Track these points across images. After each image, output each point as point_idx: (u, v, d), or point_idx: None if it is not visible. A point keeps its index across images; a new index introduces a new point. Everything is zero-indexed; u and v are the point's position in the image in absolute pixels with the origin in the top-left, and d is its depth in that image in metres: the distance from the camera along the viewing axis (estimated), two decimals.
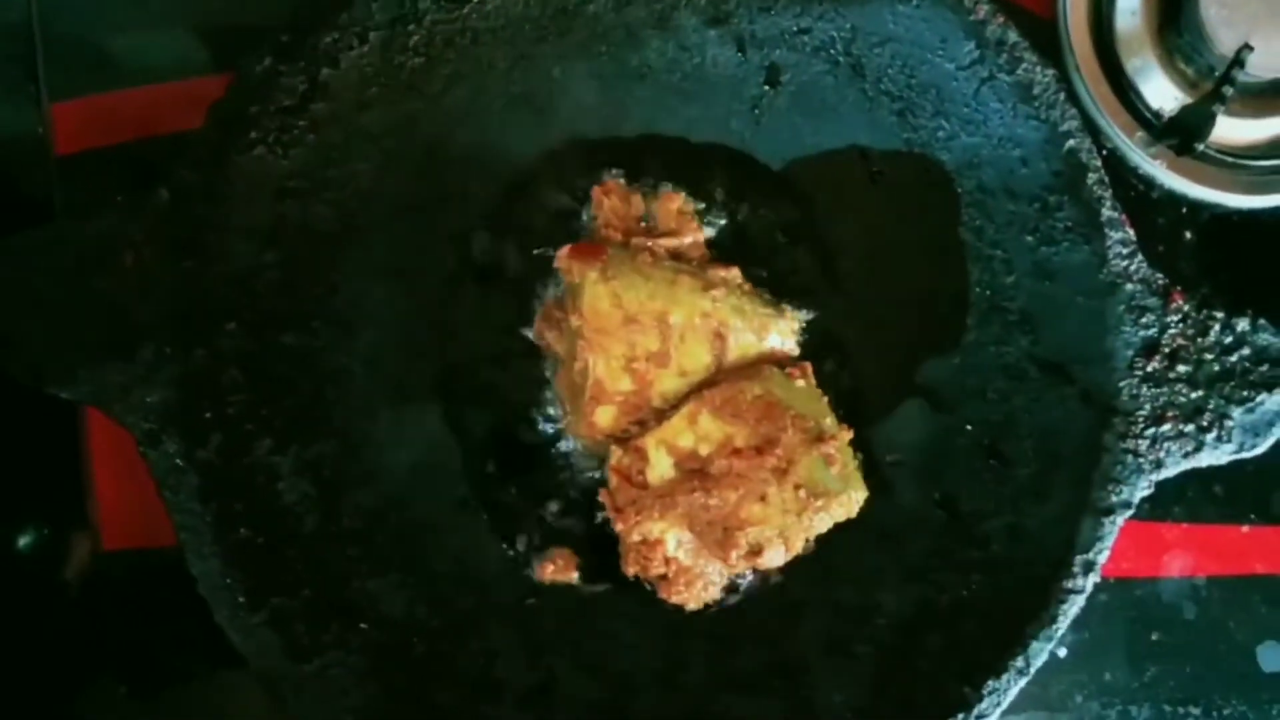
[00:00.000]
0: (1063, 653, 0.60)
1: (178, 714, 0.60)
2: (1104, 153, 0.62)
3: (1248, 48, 0.58)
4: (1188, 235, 0.62)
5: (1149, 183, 0.62)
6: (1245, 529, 0.62)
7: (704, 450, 0.52)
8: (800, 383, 0.54)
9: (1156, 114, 0.62)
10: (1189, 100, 0.61)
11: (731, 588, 0.54)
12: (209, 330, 0.51)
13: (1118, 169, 0.62)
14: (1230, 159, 0.62)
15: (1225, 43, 0.59)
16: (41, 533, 0.60)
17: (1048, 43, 0.62)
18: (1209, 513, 0.62)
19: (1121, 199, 0.60)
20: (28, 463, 0.59)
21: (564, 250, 0.53)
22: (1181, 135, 0.60)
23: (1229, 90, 0.58)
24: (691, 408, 0.52)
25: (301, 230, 0.53)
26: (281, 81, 0.51)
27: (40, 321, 0.50)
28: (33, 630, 0.60)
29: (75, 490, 0.59)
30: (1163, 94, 0.62)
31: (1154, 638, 0.61)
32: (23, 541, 0.60)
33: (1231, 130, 0.62)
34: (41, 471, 0.60)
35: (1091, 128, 0.61)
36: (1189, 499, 0.61)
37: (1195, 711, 0.61)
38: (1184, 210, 0.62)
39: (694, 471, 0.51)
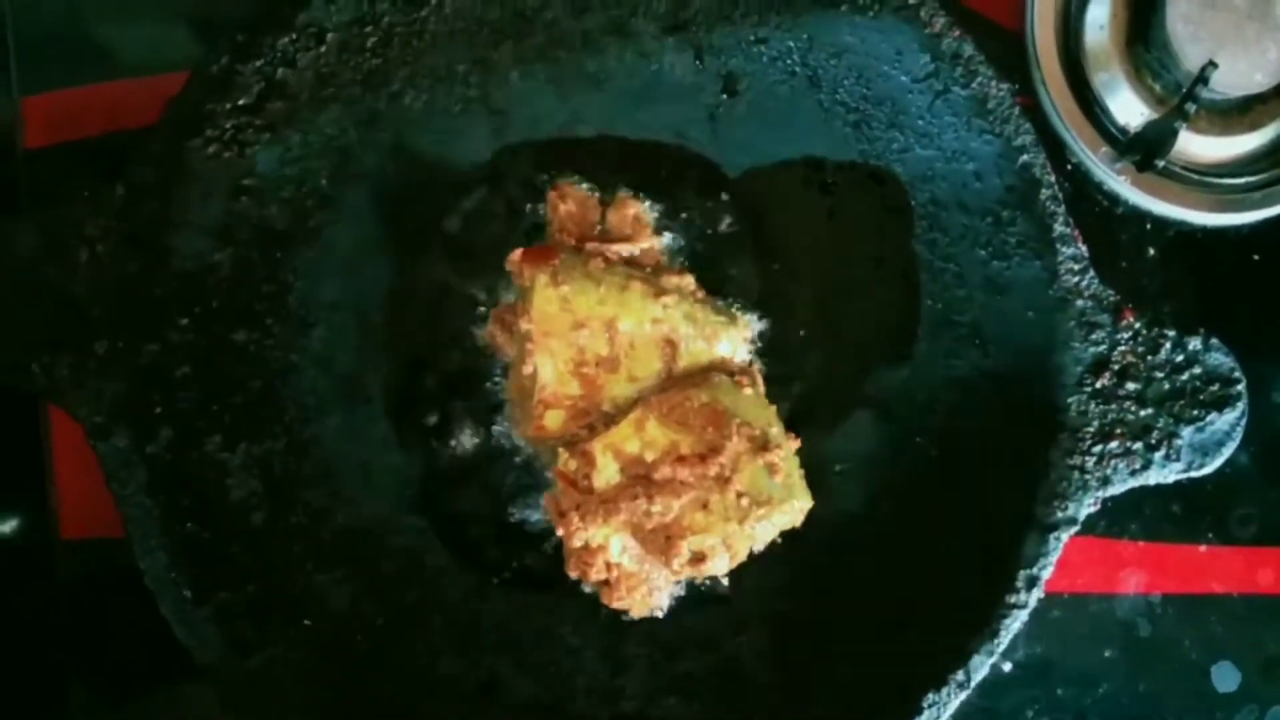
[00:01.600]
0: (1008, 667, 0.60)
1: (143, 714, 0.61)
2: (1069, 168, 0.62)
3: (1212, 65, 0.58)
4: (1151, 252, 0.62)
5: (1113, 199, 0.62)
6: (1203, 548, 0.62)
7: (649, 456, 0.52)
8: (748, 391, 0.54)
9: (1123, 130, 0.62)
10: (1155, 116, 0.61)
11: (676, 595, 0.54)
12: (161, 325, 0.52)
13: (1082, 184, 0.62)
14: (1195, 176, 0.62)
15: (1191, 59, 0.59)
16: (3, 524, 0.61)
17: (1014, 56, 0.62)
18: (1166, 531, 0.61)
19: (1086, 214, 0.61)
20: None
21: (515, 254, 0.54)
22: (1144, 151, 0.60)
23: (1192, 106, 0.58)
24: (639, 414, 0.52)
25: (255, 228, 0.53)
26: (238, 80, 0.51)
27: None
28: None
29: (37, 480, 0.59)
30: (1130, 110, 0.62)
31: (1108, 654, 0.61)
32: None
33: (1198, 148, 0.62)
34: (2, 461, 0.60)
35: (1056, 142, 0.61)
36: (1146, 517, 0.61)
37: None
38: (1148, 226, 0.62)
39: (639, 477, 0.52)
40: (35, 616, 0.61)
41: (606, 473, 0.52)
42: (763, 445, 0.51)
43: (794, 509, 0.52)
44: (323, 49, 0.53)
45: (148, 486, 0.51)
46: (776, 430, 0.53)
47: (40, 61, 0.61)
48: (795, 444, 0.53)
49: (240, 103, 0.52)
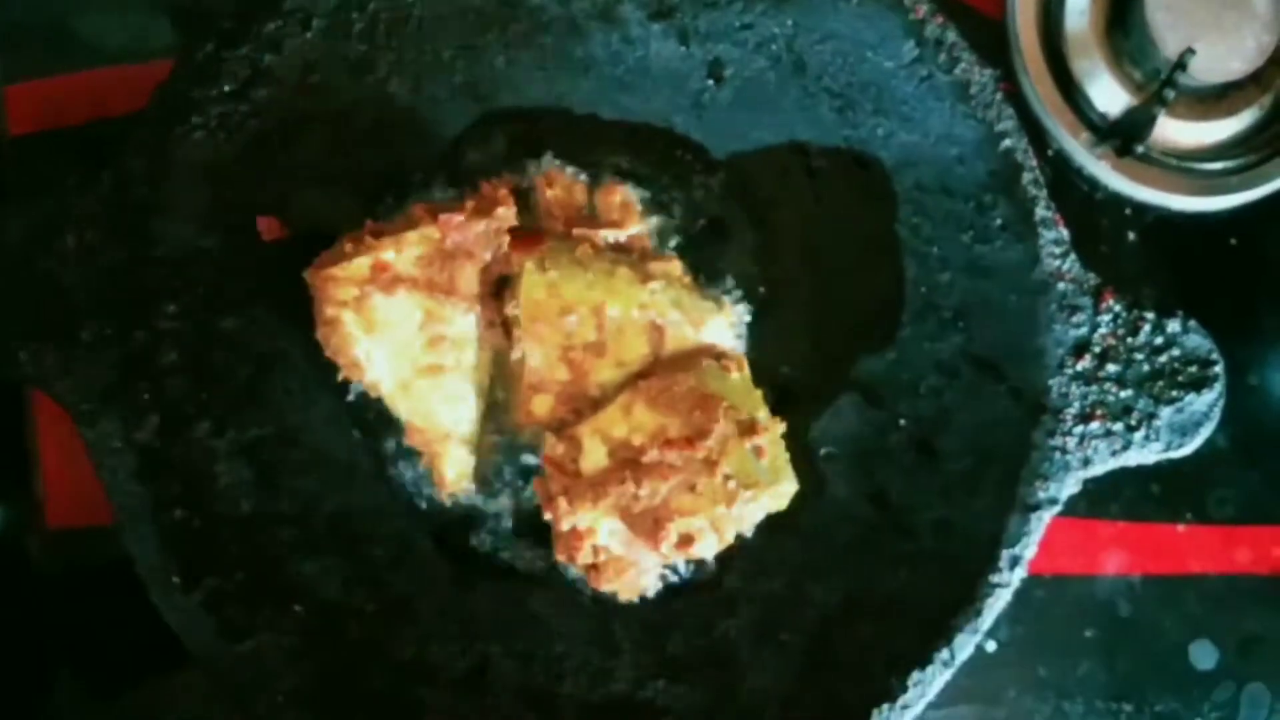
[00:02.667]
0: (993, 646, 0.61)
1: (131, 702, 0.61)
2: (1050, 153, 0.62)
3: (1190, 51, 0.59)
4: (1131, 236, 0.63)
5: (1093, 184, 0.63)
6: (1181, 528, 0.63)
7: (637, 440, 0.52)
8: (735, 375, 0.54)
9: (1102, 116, 0.62)
10: (1135, 102, 0.62)
11: (664, 578, 0.55)
12: (149, 312, 0.52)
13: (1063, 169, 0.62)
14: (1174, 162, 0.63)
15: (1170, 46, 0.59)
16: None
17: (996, 43, 0.62)
18: (1145, 511, 0.62)
19: (1066, 199, 0.61)
20: None
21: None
22: (1124, 136, 0.61)
23: (1170, 93, 0.59)
24: (626, 398, 0.53)
25: (242, 215, 0.53)
26: (224, 67, 0.51)
27: None
28: None
29: (22, 469, 0.59)
30: (1109, 96, 0.62)
31: (1088, 634, 0.62)
32: None
33: (1176, 133, 0.63)
34: None
35: (1037, 128, 0.62)
36: (1126, 497, 0.62)
37: (1128, 708, 0.62)
38: (1128, 211, 0.63)
39: (626, 461, 0.52)
40: (20, 607, 0.60)
41: (594, 456, 0.52)
42: (749, 429, 0.52)
43: (780, 492, 0.52)
44: (308, 35, 0.53)
45: (136, 473, 0.50)
46: (763, 413, 0.53)
47: (23, 50, 0.61)
48: (781, 427, 0.53)
49: (226, 89, 0.52)
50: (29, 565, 0.60)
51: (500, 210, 0.52)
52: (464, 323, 0.52)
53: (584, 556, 0.52)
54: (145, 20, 0.61)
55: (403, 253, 0.50)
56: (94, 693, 0.60)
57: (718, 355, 0.55)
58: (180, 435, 0.52)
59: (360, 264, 0.50)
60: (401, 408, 0.53)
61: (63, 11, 0.61)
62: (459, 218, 0.51)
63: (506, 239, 0.53)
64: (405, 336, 0.51)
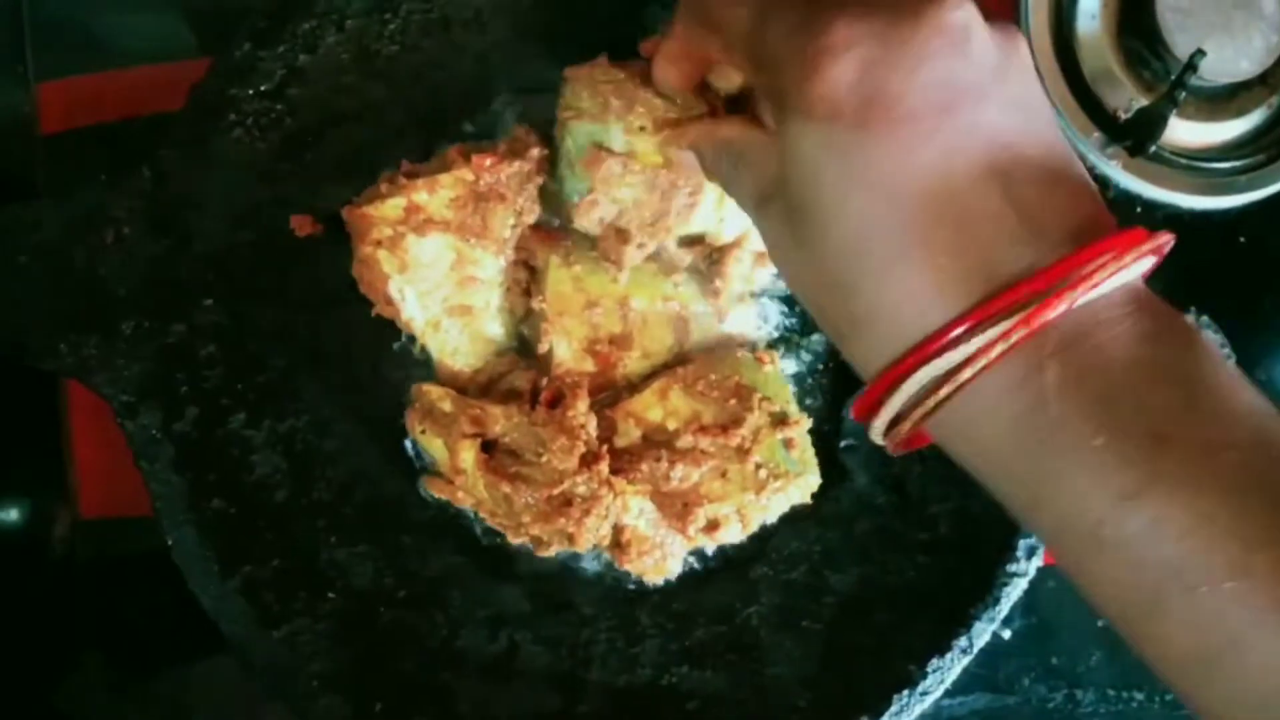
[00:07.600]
0: (1008, 635, 0.62)
1: (161, 689, 0.62)
2: None
3: (1201, 52, 0.60)
4: None
5: (1105, 182, 0.64)
6: None
7: (672, 425, 0.53)
8: (768, 368, 0.55)
9: (1113, 115, 0.63)
10: (1146, 102, 0.63)
11: (689, 563, 0.56)
12: (187, 306, 0.53)
13: None
14: (1184, 161, 0.64)
15: (1180, 47, 0.61)
16: (24, 504, 0.62)
17: None
18: None
19: None
20: (8, 432, 0.61)
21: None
22: (1135, 136, 0.62)
23: (1181, 93, 0.60)
24: (663, 383, 0.54)
25: (277, 211, 0.54)
26: (260, 66, 0.52)
27: (23, 295, 0.51)
28: (16, 602, 0.61)
29: (55, 459, 0.60)
30: (1120, 96, 0.63)
31: (1101, 624, 0.63)
32: (6, 514, 0.61)
33: (1186, 133, 0.64)
34: (22, 441, 0.61)
35: None
36: None
37: (1139, 696, 0.63)
38: (1138, 210, 0.64)
39: (660, 443, 0.53)
40: (52, 593, 0.61)
41: (628, 438, 0.53)
42: (781, 421, 0.53)
43: (806, 484, 0.54)
44: (342, 35, 0.54)
45: (175, 464, 0.52)
46: (793, 407, 0.55)
47: (55, 48, 0.62)
48: (809, 422, 0.55)
49: (262, 88, 0.53)
50: (61, 554, 0.61)
51: (533, 151, 0.53)
52: (494, 265, 0.53)
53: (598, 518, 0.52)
54: (175, 20, 0.62)
55: (436, 194, 0.51)
56: (124, 676, 0.61)
57: (750, 346, 0.56)
58: (218, 426, 0.53)
59: (395, 204, 0.51)
60: (432, 345, 0.54)
61: (95, 11, 0.62)
62: (492, 159, 0.52)
63: (538, 180, 0.53)
64: (437, 277, 0.52)
